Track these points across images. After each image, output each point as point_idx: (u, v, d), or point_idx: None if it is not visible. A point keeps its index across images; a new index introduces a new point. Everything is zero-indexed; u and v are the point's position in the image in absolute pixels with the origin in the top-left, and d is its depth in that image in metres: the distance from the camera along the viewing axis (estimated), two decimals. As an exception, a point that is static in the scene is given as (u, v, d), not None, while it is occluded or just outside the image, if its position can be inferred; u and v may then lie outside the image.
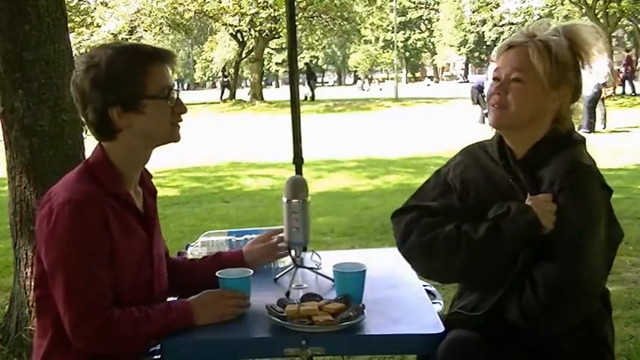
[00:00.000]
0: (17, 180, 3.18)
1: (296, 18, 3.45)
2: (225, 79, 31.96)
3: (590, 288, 1.63)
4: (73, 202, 1.61)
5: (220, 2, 26.57)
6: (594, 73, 1.78)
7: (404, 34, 64.53)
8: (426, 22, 68.49)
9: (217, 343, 1.68)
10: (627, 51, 24.24)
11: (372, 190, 8.38)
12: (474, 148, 1.94)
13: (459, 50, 64.30)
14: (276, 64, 60.17)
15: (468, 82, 45.60)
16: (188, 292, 1.82)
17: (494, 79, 1.80)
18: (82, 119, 1.75)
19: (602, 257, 1.67)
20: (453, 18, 61.97)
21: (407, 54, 67.17)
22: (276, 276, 2.05)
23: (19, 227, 3.21)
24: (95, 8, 26.54)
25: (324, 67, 77.60)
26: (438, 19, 65.88)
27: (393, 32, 47.97)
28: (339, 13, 29.97)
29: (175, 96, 1.72)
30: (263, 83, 36.18)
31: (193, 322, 1.69)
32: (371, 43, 60.33)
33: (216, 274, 1.81)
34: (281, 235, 2.08)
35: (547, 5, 31.50)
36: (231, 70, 32.37)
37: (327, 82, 79.61)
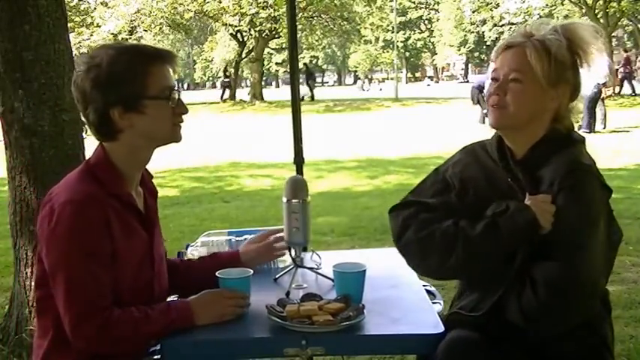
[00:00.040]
0: (17, 180, 3.18)
1: (296, 18, 3.45)
2: (227, 80, 31.96)
3: (590, 288, 1.63)
4: (74, 202, 1.61)
5: (220, 2, 26.57)
6: (593, 72, 1.78)
7: (404, 34, 64.53)
8: (426, 22, 68.49)
9: (217, 343, 1.68)
10: (626, 51, 24.25)
11: (372, 190, 8.38)
12: (474, 147, 1.94)
13: (459, 50, 64.30)
14: (276, 64, 60.16)
15: (468, 82, 45.62)
16: (185, 293, 1.83)
17: (492, 79, 1.80)
18: (83, 119, 1.75)
19: (603, 257, 1.67)
20: (453, 18, 61.96)
21: (407, 54, 67.17)
22: (276, 276, 2.05)
23: (19, 227, 3.21)
24: (95, 8, 26.54)
25: (324, 67, 77.60)
26: (438, 19, 65.87)
27: (393, 32, 47.98)
28: (339, 13, 29.97)
29: (176, 96, 1.72)
30: (263, 83, 36.18)
31: (193, 322, 1.69)
32: (371, 43, 60.34)
33: (216, 274, 1.81)
34: (279, 235, 2.08)
35: (547, 5, 31.52)
36: (231, 70, 32.37)
37: (327, 82, 79.59)
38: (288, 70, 3.50)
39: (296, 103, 3.35)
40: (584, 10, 24.33)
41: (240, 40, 31.07)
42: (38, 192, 3.12)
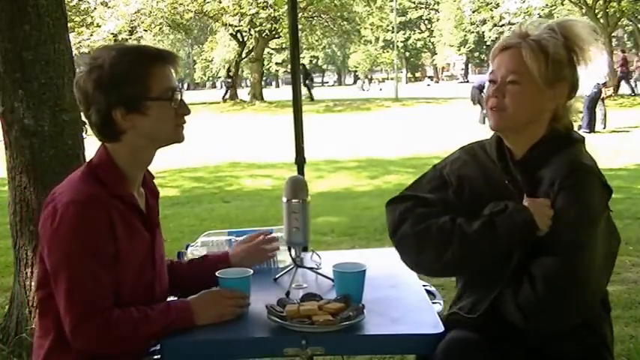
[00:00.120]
0: (17, 180, 3.18)
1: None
2: (230, 80, 31.99)
3: (589, 286, 1.62)
4: (77, 203, 1.61)
5: (220, 2, 26.57)
6: (590, 69, 1.77)
7: (404, 34, 64.52)
8: (426, 22, 68.48)
9: (217, 343, 1.68)
10: (623, 52, 24.26)
11: (372, 190, 8.38)
12: (473, 147, 1.94)
13: (459, 50, 64.29)
14: (276, 64, 60.16)
15: (468, 82, 45.63)
16: (175, 294, 1.84)
17: (490, 81, 1.79)
18: (85, 120, 1.75)
19: (602, 258, 1.67)
20: (453, 18, 61.94)
21: (407, 54, 67.18)
22: (276, 276, 2.05)
23: (19, 227, 3.21)
24: (95, 8, 26.53)
25: (324, 67, 77.61)
26: (438, 19, 65.86)
27: (393, 32, 47.97)
28: (339, 13, 29.98)
29: (179, 97, 1.72)
30: (263, 83, 36.19)
31: (193, 322, 1.69)
32: (371, 43, 60.34)
33: (216, 273, 1.81)
34: (269, 236, 2.08)
35: (547, 5, 31.49)
36: (233, 70, 32.38)
37: (327, 82, 79.59)
38: (289, 70, 3.50)
39: (297, 102, 3.35)
40: (584, 10, 24.33)
41: (240, 40, 31.08)
42: (38, 192, 3.12)
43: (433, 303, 1.96)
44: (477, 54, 62.35)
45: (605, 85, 13.17)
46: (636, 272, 4.51)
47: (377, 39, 60.80)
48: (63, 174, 1.79)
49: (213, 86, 71.44)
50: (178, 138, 1.76)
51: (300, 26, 3.50)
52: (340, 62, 74.25)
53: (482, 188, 1.83)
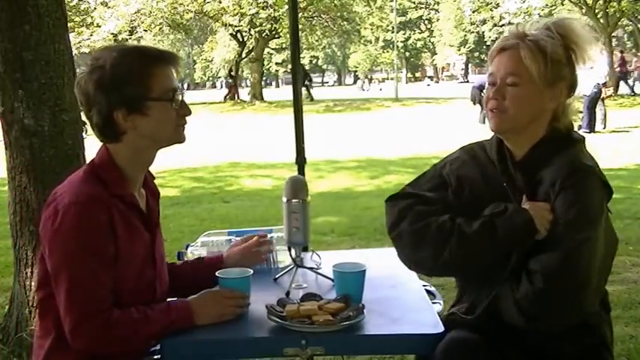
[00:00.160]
0: (17, 180, 3.18)
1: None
2: (232, 80, 32.00)
3: (588, 285, 1.62)
4: (79, 203, 1.61)
5: (220, 2, 26.58)
6: (587, 66, 1.77)
7: (404, 34, 64.52)
8: (426, 22, 68.48)
9: (217, 343, 1.68)
10: (621, 52, 24.27)
11: (372, 190, 8.38)
12: (473, 147, 1.94)
13: (459, 50, 64.28)
14: (276, 64, 60.17)
15: (468, 82, 45.62)
16: (172, 296, 1.84)
17: (489, 83, 1.79)
18: (87, 121, 1.75)
19: (601, 257, 1.66)
20: (453, 18, 61.93)
21: (407, 54, 67.18)
22: (276, 276, 2.05)
23: (19, 227, 3.21)
24: (95, 8, 26.53)
25: (324, 67, 77.60)
26: (438, 19, 65.85)
27: (393, 32, 47.98)
28: (339, 13, 29.98)
29: (180, 98, 1.73)
30: (263, 83, 36.20)
31: (193, 322, 1.69)
32: (371, 43, 60.33)
33: (216, 273, 1.81)
34: (264, 238, 2.08)
35: (547, 5, 31.48)
36: (228, 70, 32.41)
37: (327, 82, 79.60)
38: (289, 70, 3.51)
39: (298, 102, 3.35)
40: (584, 10, 24.32)
41: (240, 40, 31.08)
42: (38, 192, 3.12)
43: (433, 303, 1.96)
44: (477, 54, 62.32)
45: (605, 85, 13.17)
46: (636, 272, 4.51)
47: (377, 39, 60.81)
48: (63, 174, 1.79)
49: (213, 86, 71.48)
50: (179, 138, 1.77)
51: (300, 26, 3.50)
52: (340, 62, 74.26)
53: (482, 189, 1.83)
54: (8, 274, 4.47)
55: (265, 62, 42.90)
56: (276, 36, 29.97)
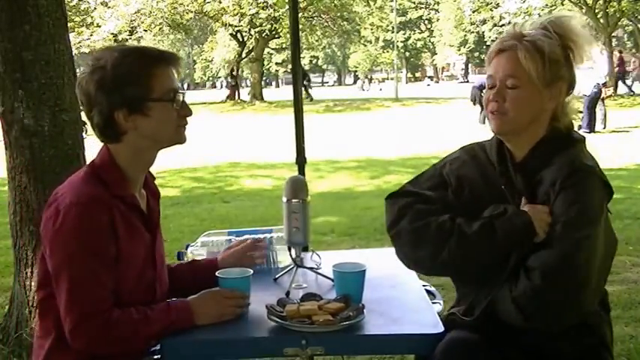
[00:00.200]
0: (17, 180, 3.18)
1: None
2: (233, 79, 32.00)
3: (588, 284, 1.61)
4: (80, 204, 1.62)
5: (220, 2, 26.59)
6: (586, 65, 1.77)
7: (404, 34, 64.53)
8: (426, 22, 68.48)
9: (217, 343, 1.68)
10: (620, 52, 24.29)
11: (372, 190, 8.38)
12: (474, 147, 1.94)
13: (459, 50, 64.28)
14: (276, 64, 60.19)
15: (468, 82, 45.62)
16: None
17: (489, 86, 1.78)
18: (87, 121, 1.75)
19: (601, 257, 1.66)
20: (453, 18, 61.93)
21: (407, 54, 67.19)
22: (276, 276, 2.05)
23: (19, 227, 3.21)
24: (95, 8, 26.54)
25: (324, 67, 77.61)
26: (438, 19, 65.85)
27: (393, 32, 47.98)
28: (339, 13, 29.99)
29: (181, 98, 1.73)
30: (263, 83, 36.21)
31: (193, 323, 1.69)
32: (371, 43, 60.34)
33: (216, 273, 1.81)
34: (260, 243, 2.07)
35: (547, 5, 31.49)
36: (230, 70, 32.43)
37: (327, 82, 79.60)
38: (289, 70, 3.51)
39: (298, 102, 3.35)
40: (584, 10, 24.33)
41: (240, 40, 31.09)
42: (38, 192, 3.12)
43: (433, 303, 1.95)
44: (477, 54, 62.30)
45: (605, 85, 13.17)
46: (636, 272, 4.51)
47: (377, 39, 60.82)
48: (63, 174, 1.80)
49: (213, 86, 71.47)
50: (180, 139, 1.77)
51: (300, 26, 3.49)
52: (340, 62, 74.27)
53: (481, 190, 1.83)
54: (8, 274, 4.47)
55: (265, 62, 42.92)
56: (276, 36, 29.97)
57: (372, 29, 43.97)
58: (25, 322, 3.25)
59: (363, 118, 20.18)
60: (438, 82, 64.07)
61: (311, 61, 67.77)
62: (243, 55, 31.86)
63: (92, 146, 1.82)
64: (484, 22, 54.86)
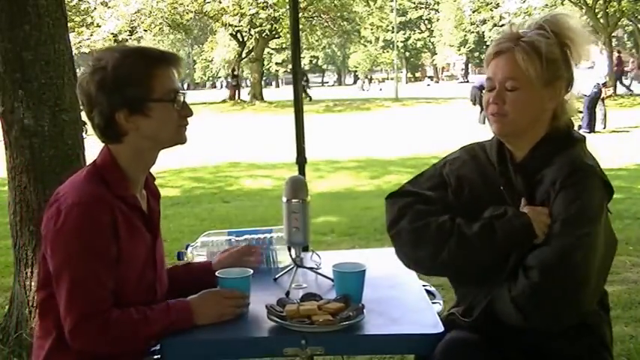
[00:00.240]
0: (17, 180, 3.18)
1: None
2: (235, 79, 32.02)
3: (587, 283, 1.60)
4: (82, 204, 1.62)
5: (220, 2, 26.59)
6: (583, 61, 1.76)
7: (404, 34, 64.52)
8: (426, 22, 68.47)
9: (217, 343, 1.68)
10: (618, 52, 24.30)
11: (373, 190, 8.38)
12: (474, 147, 1.94)
13: (459, 50, 64.26)
14: (276, 64, 60.18)
15: (467, 82, 45.62)
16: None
17: (488, 88, 1.78)
18: (86, 121, 1.75)
19: (600, 256, 1.66)
20: (453, 18, 61.92)
21: (407, 54, 67.17)
22: (276, 276, 2.05)
23: (19, 227, 3.21)
24: (95, 8, 26.53)
25: (324, 67, 77.60)
26: (438, 19, 65.84)
27: (393, 32, 47.99)
28: (339, 13, 30.00)
29: (181, 99, 1.73)
30: (263, 83, 36.21)
31: (193, 323, 1.69)
32: (371, 43, 60.33)
33: (216, 273, 1.81)
34: (254, 250, 2.07)
35: (547, 5, 31.48)
36: (231, 70, 32.45)
37: (327, 82, 79.59)
38: (288, 70, 3.51)
39: (298, 102, 3.35)
40: (584, 10, 24.32)
41: (240, 40, 31.09)
42: (38, 192, 3.12)
43: (433, 303, 1.96)
44: (477, 54, 62.24)
45: (605, 85, 13.17)
46: (636, 272, 4.51)
47: (377, 39, 60.79)
48: (63, 174, 1.80)
49: (213, 86, 71.47)
50: (181, 140, 1.77)
51: (300, 26, 3.49)
52: (340, 62, 74.24)
53: (481, 190, 1.83)
54: (8, 274, 4.47)
55: (265, 62, 42.91)
56: (276, 36, 29.99)
57: (372, 29, 43.92)
58: (25, 322, 3.25)
59: (363, 118, 20.19)
60: (438, 82, 64.08)
61: (311, 61, 67.75)
62: (243, 55, 31.87)
63: (92, 146, 1.82)
64: (484, 22, 54.83)
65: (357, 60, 66.83)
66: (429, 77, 69.71)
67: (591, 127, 12.62)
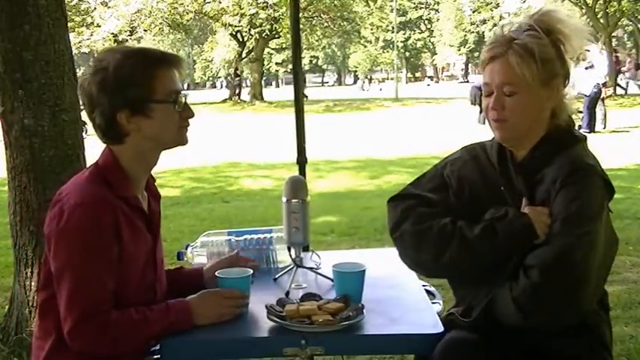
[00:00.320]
0: (17, 180, 3.18)
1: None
2: (237, 79, 32.04)
3: (588, 282, 1.60)
4: (85, 204, 1.62)
5: (220, 2, 26.59)
6: (577, 49, 1.76)
7: (404, 34, 64.54)
8: (426, 22, 68.51)
9: (217, 343, 1.68)
10: (615, 52, 24.30)
11: (372, 190, 8.38)
12: (475, 147, 1.94)
13: (459, 50, 64.31)
14: (276, 64, 60.15)
15: (468, 82, 45.65)
16: None
17: (486, 93, 1.78)
18: (89, 122, 1.75)
19: (602, 256, 1.66)
20: (453, 18, 61.97)
21: (407, 54, 67.20)
22: (276, 276, 2.05)
23: (19, 227, 3.21)
24: (95, 8, 26.55)
25: (324, 67, 77.61)
26: (438, 19, 65.91)
27: (393, 32, 48.01)
28: (339, 13, 30.02)
29: (183, 100, 1.73)
30: (263, 83, 36.22)
31: (192, 323, 1.69)
32: (371, 43, 60.35)
33: (216, 273, 1.82)
34: (246, 259, 2.06)
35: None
36: (231, 70, 32.45)
37: (327, 82, 79.60)
38: (288, 70, 3.52)
39: (299, 102, 3.35)
40: (584, 10, 24.34)
41: (240, 40, 31.10)
42: (38, 192, 3.12)
43: (433, 303, 1.96)
44: (476, 54, 62.01)
45: (605, 85, 13.18)
46: (636, 272, 4.51)
47: (377, 39, 60.83)
48: (63, 174, 1.80)
49: (213, 86, 71.48)
50: (182, 141, 1.77)
51: (300, 26, 3.49)
52: (340, 62, 74.25)
53: (481, 191, 1.83)
54: (8, 274, 4.47)
55: (265, 62, 42.92)
56: (276, 36, 30.00)
57: (372, 29, 43.99)
58: (25, 322, 3.25)
59: (363, 118, 20.19)
60: (438, 82, 64.13)
61: (311, 61, 67.75)
62: (243, 55, 31.88)
63: (92, 146, 1.83)
64: (484, 22, 54.90)
65: (357, 60, 66.85)
66: (429, 77, 69.77)
67: (591, 127, 12.63)
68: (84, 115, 1.80)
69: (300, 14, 3.59)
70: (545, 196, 1.70)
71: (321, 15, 29.65)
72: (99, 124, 1.70)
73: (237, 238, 2.21)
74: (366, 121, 18.93)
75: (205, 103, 28.29)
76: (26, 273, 3.22)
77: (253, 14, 27.06)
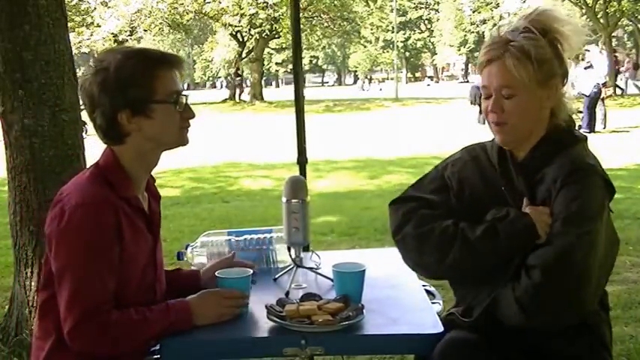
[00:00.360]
0: (17, 180, 3.18)
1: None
2: (238, 78, 32.06)
3: (588, 282, 1.60)
4: (86, 205, 1.62)
5: (220, 3, 26.60)
6: (574, 50, 1.75)
7: (404, 34, 64.54)
8: (426, 22, 68.50)
9: (217, 343, 1.68)
10: (614, 51, 24.29)
11: (372, 190, 8.38)
12: (475, 147, 1.94)
13: (459, 50, 64.30)
14: (276, 64, 60.14)
15: (468, 82, 45.63)
16: None
17: (484, 96, 1.78)
18: (90, 122, 1.75)
19: (603, 256, 1.66)
20: (453, 18, 61.97)
21: (407, 54, 67.19)
22: (276, 276, 2.05)
23: (19, 227, 3.21)
24: (95, 8, 26.55)
25: (324, 67, 77.61)
26: (438, 19, 65.90)
27: (393, 32, 48.01)
28: (339, 13, 30.02)
29: (184, 101, 1.73)
30: (263, 83, 36.23)
31: (192, 323, 1.69)
32: (371, 43, 60.34)
33: (216, 273, 1.82)
34: (242, 263, 2.06)
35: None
36: (231, 70, 32.46)
37: (327, 82, 79.61)
38: (289, 70, 3.52)
39: (299, 102, 3.35)
40: (584, 10, 24.34)
41: (240, 40, 31.11)
42: (38, 192, 3.12)
43: (432, 303, 1.96)
44: (476, 54, 61.78)
45: (605, 85, 13.18)
46: (636, 272, 4.51)
47: (377, 39, 60.82)
48: (63, 174, 1.80)
49: (213, 86, 71.46)
50: (183, 141, 1.77)
51: (300, 26, 3.49)
52: (340, 62, 74.24)
53: (482, 191, 1.83)
54: (8, 274, 4.47)
55: (265, 62, 42.93)
56: (276, 36, 30.00)
57: (372, 29, 44.03)
58: (25, 322, 3.25)
59: (363, 118, 20.20)
60: (438, 82, 64.13)
61: (311, 61, 67.73)
62: (243, 55, 31.88)
63: (92, 146, 1.83)
64: (484, 22, 54.88)
65: (357, 60, 66.84)
66: (429, 77, 69.75)
67: (591, 127, 12.63)
68: (84, 115, 1.80)
69: (300, 14, 3.58)
70: (546, 196, 1.70)
71: (321, 15, 29.65)
72: (100, 124, 1.70)
73: (237, 238, 2.21)
74: (366, 121, 18.94)
75: (205, 103, 28.28)
76: (26, 273, 3.22)
77: (253, 14, 27.06)
